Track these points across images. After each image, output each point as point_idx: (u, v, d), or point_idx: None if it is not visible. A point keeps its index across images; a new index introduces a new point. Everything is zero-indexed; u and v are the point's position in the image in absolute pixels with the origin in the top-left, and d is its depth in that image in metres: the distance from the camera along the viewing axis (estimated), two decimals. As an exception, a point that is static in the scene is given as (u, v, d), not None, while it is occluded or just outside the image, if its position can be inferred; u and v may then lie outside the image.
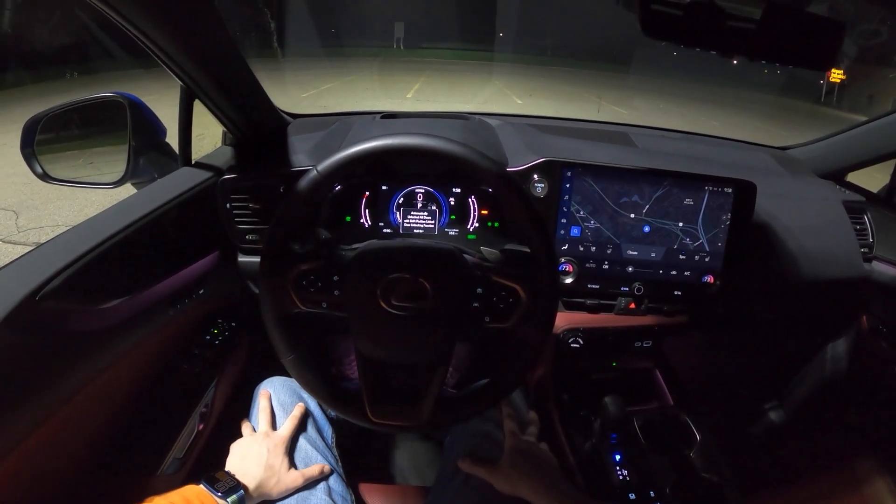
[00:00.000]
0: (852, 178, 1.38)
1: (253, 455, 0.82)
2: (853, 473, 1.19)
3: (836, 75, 18.58)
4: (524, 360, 0.73)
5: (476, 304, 0.72)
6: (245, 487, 0.76)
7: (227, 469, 0.80)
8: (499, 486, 0.79)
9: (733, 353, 1.56)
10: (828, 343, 1.36)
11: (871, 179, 1.40)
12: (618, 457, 0.92)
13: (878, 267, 1.23)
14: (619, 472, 0.90)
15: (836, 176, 1.36)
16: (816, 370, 1.38)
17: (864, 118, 1.34)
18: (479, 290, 0.71)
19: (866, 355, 1.29)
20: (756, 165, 1.33)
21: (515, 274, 0.72)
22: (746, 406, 1.52)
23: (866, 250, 1.23)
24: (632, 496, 0.88)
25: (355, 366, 0.75)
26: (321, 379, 0.75)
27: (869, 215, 1.27)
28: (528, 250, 0.71)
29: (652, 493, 0.88)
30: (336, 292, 0.72)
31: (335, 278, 0.72)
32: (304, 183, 0.70)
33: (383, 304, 0.70)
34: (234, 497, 0.73)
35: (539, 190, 1.00)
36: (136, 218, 0.85)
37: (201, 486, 0.73)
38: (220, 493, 0.72)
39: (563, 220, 1.02)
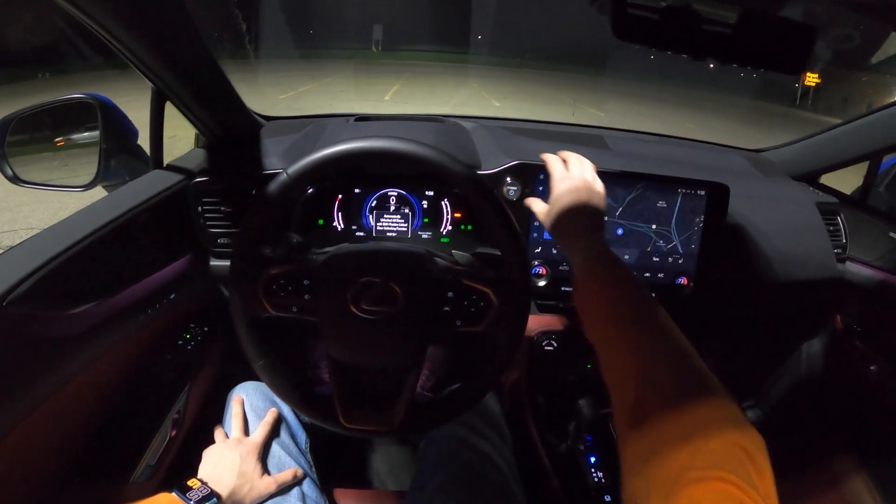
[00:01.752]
0: (825, 180, 1.41)
1: (226, 461, 0.81)
2: (831, 471, 1.21)
3: (811, 79, 19.01)
4: (497, 364, 0.72)
5: (447, 308, 0.71)
6: (218, 495, 0.75)
7: (199, 476, 0.78)
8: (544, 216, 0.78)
9: (709, 354, 1.56)
10: (803, 343, 1.38)
11: (844, 182, 1.42)
12: (593, 459, 0.92)
13: (852, 267, 1.25)
14: (595, 475, 0.89)
15: (810, 178, 1.38)
16: (792, 370, 1.40)
17: (838, 121, 1.36)
18: (451, 294, 0.71)
19: (841, 354, 1.31)
20: (730, 168, 1.34)
21: (487, 278, 0.71)
22: None
23: (840, 251, 1.25)
24: (607, 498, 0.87)
25: (327, 371, 0.74)
26: (292, 384, 0.74)
27: (842, 216, 1.29)
28: (500, 253, 0.70)
29: None
30: (307, 296, 0.72)
31: (305, 282, 0.72)
32: (274, 186, 0.69)
33: (354, 309, 0.69)
34: None
35: (512, 193, 1.00)
36: (106, 221, 0.83)
37: (173, 493, 0.71)
38: (192, 502, 0.71)
39: (536, 224, 1.01)
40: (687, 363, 0.53)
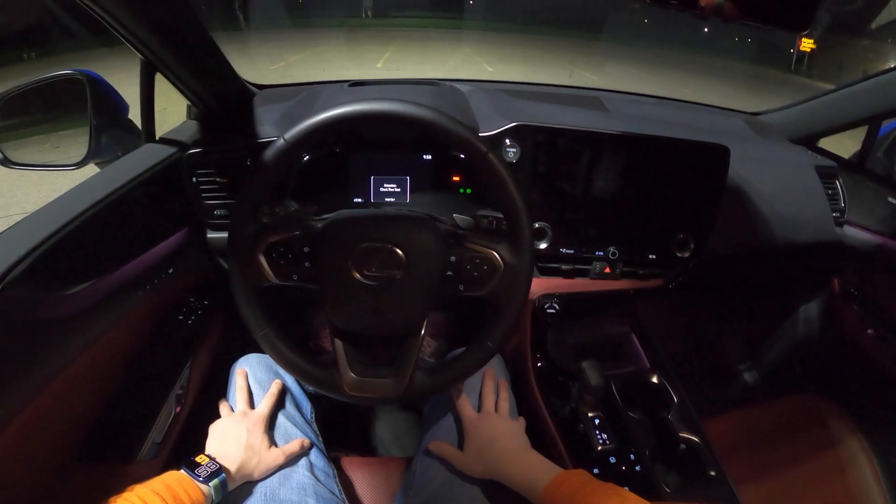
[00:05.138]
0: (824, 144, 1.40)
1: (232, 436, 0.81)
2: (828, 433, 1.23)
3: (807, 44, 18.82)
4: (500, 328, 0.72)
5: (450, 273, 0.71)
6: (226, 470, 0.75)
7: (207, 452, 0.78)
8: (468, 470, 0.79)
9: (708, 316, 1.58)
10: (800, 306, 1.39)
11: (843, 147, 1.41)
12: (597, 421, 0.92)
13: (850, 231, 1.25)
14: (599, 437, 0.90)
15: (808, 142, 1.37)
16: (789, 333, 1.41)
17: (832, 86, 1.34)
18: (453, 258, 0.70)
19: (838, 318, 1.32)
20: (729, 130, 1.33)
21: (489, 240, 0.71)
22: (721, 368, 1.56)
23: (838, 215, 1.25)
24: (612, 460, 0.89)
25: (329, 339, 0.74)
26: (294, 353, 0.74)
27: (840, 180, 1.29)
28: (502, 216, 0.70)
29: (632, 455, 0.89)
30: (307, 264, 0.71)
31: (305, 250, 0.71)
32: (270, 153, 0.68)
33: (355, 275, 0.69)
34: (215, 481, 0.72)
35: (511, 155, 0.98)
36: (99, 198, 0.81)
37: (182, 471, 0.71)
38: (201, 478, 0.71)
39: (536, 185, 1.01)
40: None
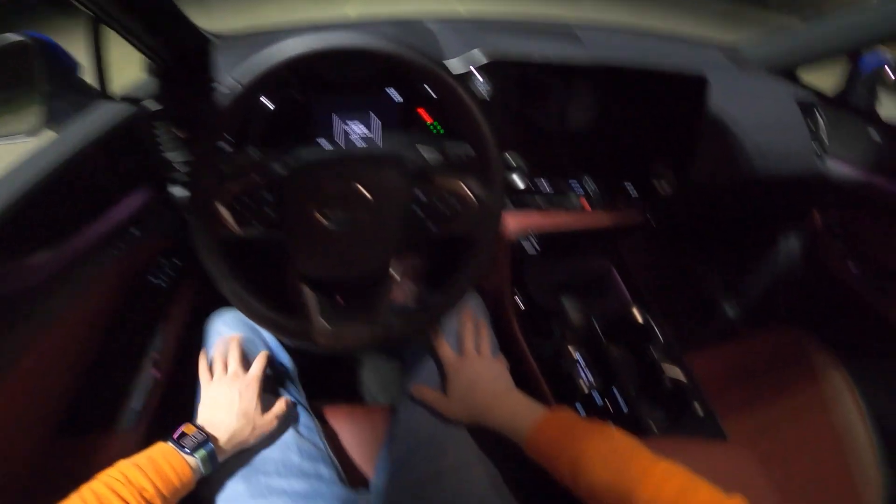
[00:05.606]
0: (805, 78, 1.37)
1: (223, 402, 0.78)
2: (810, 367, 1.24)
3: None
4: (474, 266, 0.70)
5: (419, 211, 0.68)
6: (216, 440, 0.72)
7: (198, 420, 0.75)
8: (452, 415, 0.78)
9: (690, 251, 1.58)
10: (782, 241, 1.39)
11: (824, 79, 1.39)
12: (580, 359, 0.92)
13: (831, 164, 1.24)
14: (583, 374, 0.90)
15: (788, 74, 1.35)
16: (771, 267, 1.41)
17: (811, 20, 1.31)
18: (422, 195, 0.68)
19: (820, 252, 1.32)
20: (706, 61, 1.30)
21: (458, 175, 0.68)
22: (704, 302, 1.56)
23: (819, 148, 1.23)
24: (597, 398, 0.88)
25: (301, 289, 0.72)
26: (264, 306, 0.71)
27: (821, 113, 1.27)
28: (472, 150, 0.67)
29: (616, 393, 0.88)
30: (270, 212, 0.68)
31: (268, 197, 0.68)
32: (224, 99, 0.64)
33: (320, 219, 0.66)
34: (202, 452, 0.69)
35: (483, 90, 0.95)
36: (52, 163, 0.78)
37: (167, 443, 0.69)
38: (187, 450, 0.68)
39: (510, 120, 0.98)
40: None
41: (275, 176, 0.68)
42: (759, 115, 1.14)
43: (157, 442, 0.69)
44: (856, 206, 1.24)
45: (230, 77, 0.64)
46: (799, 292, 1.38)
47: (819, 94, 1.31)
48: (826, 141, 1.25)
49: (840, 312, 1.30)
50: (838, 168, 1.23)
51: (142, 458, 0.65)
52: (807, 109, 1.23)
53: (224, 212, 0.68)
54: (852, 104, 1.30)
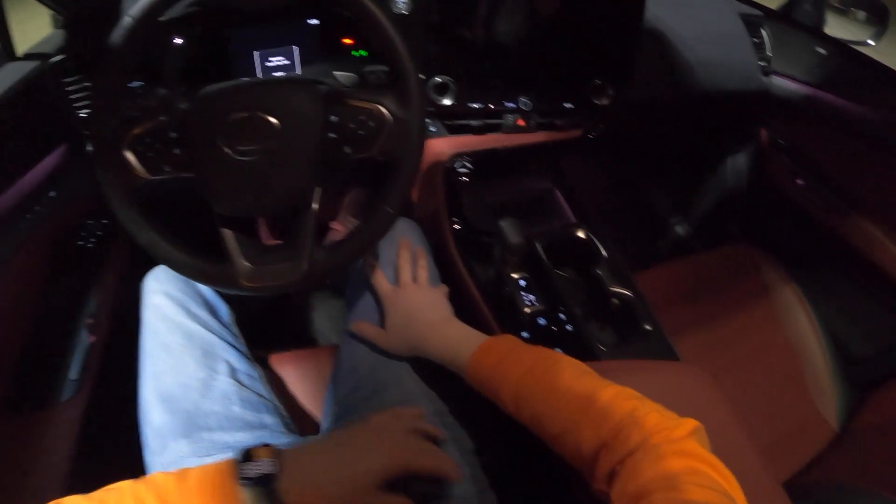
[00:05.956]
0: None
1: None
2: (761, 282, 1.25)
3: None
4: (397, 190, 0.67)
5: (333, 135, 0.64)
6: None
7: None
8: (392, 349, 0.77)
9: (635, 169, 1.57)
10: (729, 157, 1.39)
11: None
12: (523, 283, 0.90)
13: (777, 81, 1.23)
14: (526, 298, 0.88)
15: (732, -12, 1.32)
16: (719, 184, 1.41)
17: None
18: (334, 119, 0.64)
19: (767, 168, 1.32)
20: None
21: (373, 94, 0.65)
22: (651, 221, 1.56)
23: (764, 64, 1.22)
24: (541, 321, 0.87)
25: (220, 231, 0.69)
26: (183, 254, 0.68)
27: (766, 29, 1.25)
28: (389, 68, 0.64)
29: (562, 316, 0.87)
30: (177, 151, 0.64)
31: (173, 136, 0.64)
32: (116, 35, 0.59)
33: (228, 152, 0.62)
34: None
35: (402, 5, 0.90)
36: None
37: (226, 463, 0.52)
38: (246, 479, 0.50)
39: (434, 37, 0.94)
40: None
41: (179, 112, 0.64)
42: (701, 29, 1.12)
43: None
44: (802, 121, 1.24)
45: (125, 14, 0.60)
46: (747, 208, 1.39)
47: (764, 10, 1.29)
48: (771, 56, 1.23)
49: (789, 227, 1.31)
50: (783, 84, 1.22)
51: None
52: (751, 25, 1.21)
53: (131, 157, 0.64)
54: (797, 20, 1.28)
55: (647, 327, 0.87)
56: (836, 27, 1.34)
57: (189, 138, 0.64)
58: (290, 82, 0.65)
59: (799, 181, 1.24)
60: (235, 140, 0.62)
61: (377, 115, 0.64)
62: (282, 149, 0.63)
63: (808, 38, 1.23)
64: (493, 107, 1.00)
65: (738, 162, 1.37)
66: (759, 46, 1.22)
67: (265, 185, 0.65)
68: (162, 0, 0.60)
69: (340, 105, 0.64)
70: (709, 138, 1.40)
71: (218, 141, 0.62)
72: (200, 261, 0.68)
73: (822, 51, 1.20)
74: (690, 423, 0.51)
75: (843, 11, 1.37)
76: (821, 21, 1.32)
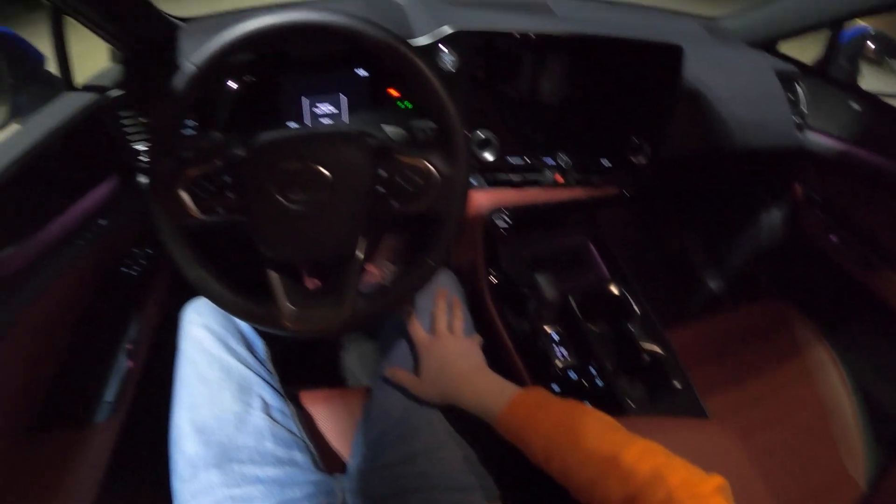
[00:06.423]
0: (786, 51, 1.36)
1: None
2: (793, 340, 1.24)
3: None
4: (440, 243, 0.69)
5: (381, 188, 0.67)
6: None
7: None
8: (425, 396, 0.78)
9: (669, 224, 1.58)
10: (763, 213, 1.38)
11: (805, 53, 1.37)
12: (556, 336, 0.91)
13: (812, 137, 1.23)
14: (558, 352, 0.89)
15: (768, 46, 1.34)
16: (752, 240, 1.40)
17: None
18: (383, 173, 0.67)
19: (801, 224, 1.31)
20: (684, 33, 1.29)
21: (421, 150, 0.67)
22: (684, 277, 1.56)
23: (799, 120, 1.22)
24: (573, 375, 0.87)
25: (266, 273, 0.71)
26: (229, 292, 0.70)
27: (802, 85, 1.26)
28: (436, 125, 0.66)
29: (593, 370, 0.88)
30: (230, 195, 0.67)
31: (228, 180, 0.67)
32: (179, 80, 0.63)
33: (280, 200, 0.65)
34: None
35: (449, 63, 0.93)
36: (16, 155, 0.76)
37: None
38: None
39: (479, 93, 0.96)
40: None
41: (235, 158, 0.67)
42: (737, 87, 1.13)
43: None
44: (837, 177, 1.23)
45: (187, 60, 0.63)
46: (781, 264, 1.37)
47: (799, 66, 1.30)
48: (806, 112, 1.24)
49: (822, 284, 1.29)
50: (819, 139, 1.22)
51: None
52: (787, 81, 1.22)
53: (185, 197, 0.67)
54: (833, 76, 1.29)
55: (677, 384, 0.87)
56: (871, 79, 1.34)
57: (243, 184, 0.67)
58: (342, 136, 0.67)
59: (833, 237, 1.23)
60: (288, 189, 0.65)
61: (424, 172, 0.67)
62: (332, 200, 0.66)
63: (843, 94, 1.23)
64: (532, 162, 1.02)
65: (772, 217, 1.37)
66: (795, 102, 1.23)
67: (314, 233, 0.68)
68: (226, 51, 0.63)
69: (389, 160, 0.67)
70: (743, 194, 1.40)
71: (271, 189, 0.65)
72: (246, 300, 0.71)
73: (856, 106, 1.20)
74: (716, 480, 0.51)
75: (878, 62, 1.37)
76: (856, 75, 1.33)
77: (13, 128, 0.95)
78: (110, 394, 0.90)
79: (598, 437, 0.60)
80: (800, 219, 1.31)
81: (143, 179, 0.98)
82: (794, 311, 1.28)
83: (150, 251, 1.05)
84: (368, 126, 0.94)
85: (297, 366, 0.98)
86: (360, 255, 0.69)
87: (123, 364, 0.93)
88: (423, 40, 0.94)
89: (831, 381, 1.18)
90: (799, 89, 1.25)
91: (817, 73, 1.29)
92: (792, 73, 1.24)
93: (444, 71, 0.93)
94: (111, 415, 0.89)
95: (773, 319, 1.27)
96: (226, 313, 0.89)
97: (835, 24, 1.23)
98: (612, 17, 1.29)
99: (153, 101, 0.92)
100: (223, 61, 0.63)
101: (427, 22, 1.01)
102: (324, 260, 0.71)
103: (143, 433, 0.92)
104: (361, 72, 0.94)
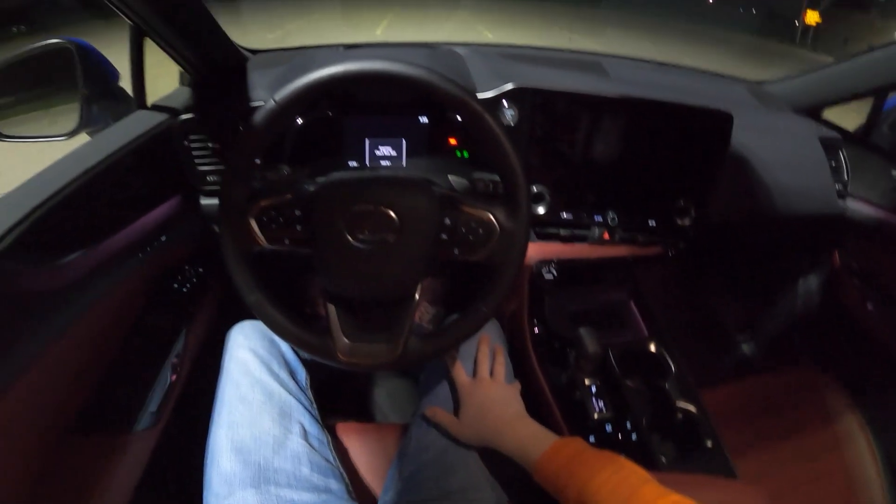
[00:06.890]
0: (829, 118, 1.37)
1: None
2: (824, 408, 1.23)
3: (812, 17, 18.54)
4: (496, 293, 0.71)
5: (445, 236, 0.70)
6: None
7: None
8: (463, 437, 0.79)
9: (708, 285, 1.58)
10: (801, 278, 1.38)
11: (847, 121, 1.39)
12: (594, 389, 0.92)
13: (853, 204, 1.23)
14: (596, 404, 0.90)
15: (813, 112, 1.35)
16: (789, 305, 1.40)
17: (838, 60, 1.32)
18: (448, 222, 0.69)
19: (838, 291, 1.31)
20: (731, 98, 1.31)
21: (485, 203, 0.70)
22: (719, 338, 1.56)
23: (841, 187, 1.23)
24: (608, 428, 0.89)
25: (323, 305, 0.73)
26: (287, 319, 0.73)
27: (844, 153, 1.27)
28: (498, 179, 0.69)
29: (628, 424, 0.89)
30: (298, 227, 0.70)
31: (297, 213, 0.70)
32: (260, 115, 0.66)
33: (348, 238, 0.68)
34: None
35: (509, 117, 0.96)
36: (89, 166, 0.80)
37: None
38: None
39: (535, 149, 0.99)
40: None
41: (304, 193, 0.70)
42: (782, 153, 1.15)
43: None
44: (875, 245, 1.24)
45: (271, 97, 0.66)
46: (816, 331, 1.37)
47: (843, 132, 1.32)
48: (848, 180, 1.25)
49: (857, 352, 1.29)
50: (859, 207, 1.22)
51: None
52: (830, 148, 1.23)
53: (253, 225, 0.70)
54: (875, 144, 1.30)
55: (708, 443, 0.87)
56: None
57: (312, 219, 0.70)
58: (412, 182, 0.70)
59: (870, 306, 1.23)
60: (357, 228, 0.68)
61: (487, 223, 0.69)
62: (398, 243, 0.68)
63: (885, 162, 1.24)
64: (582, 218, 1.04)
65: (810, 284, 1.37)
66: (837, 169, 1.24)
67: (377, 273, 0.70)
68: (310, 92, 0.66)
69: (455, 209, 0.69)
70: (782, 259, 1.41)
71: (340, 226, 0.68)
72: (301, 329, 0.73)
73: (898, 176, 1.21)
74: None
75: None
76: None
77: (83, 138, 1.00)
78: (153, 404, 0.92)
79: (633, 489, 0.61)
80: (837, 286, 1.31)
81: (205, 202, 1.02)
82: (826, 379, 1.27)
83: (201, 270, 1.08)
84: (429, 172, 0.97)
85: (333, 396, 1.00)
86: (417, 297, 0.71)
87: (167, 377, 0.95)
88: (487, 94, 0.97)
89: (860, 450, 1.17)
90: (841, 156, 1.26)
91: (859, 141, 1.30)
92: (835, 140, 1.26)
93: (505, 125, 0.96)
94: (151, 425, 0.91)
95: (805, 385, 1.27)
96: (271, 338, 0.92)
97: (879, 92, 1.25)
98: (664, 79, 1.32)
99: (225, 129, 0.95)
100: (305, 100, 0.66)
101: (486, 73, 1.05)
102: (383, 298, 0.73)
103: (179, 446, 0.95)
104: (423, 119, 0.98)
